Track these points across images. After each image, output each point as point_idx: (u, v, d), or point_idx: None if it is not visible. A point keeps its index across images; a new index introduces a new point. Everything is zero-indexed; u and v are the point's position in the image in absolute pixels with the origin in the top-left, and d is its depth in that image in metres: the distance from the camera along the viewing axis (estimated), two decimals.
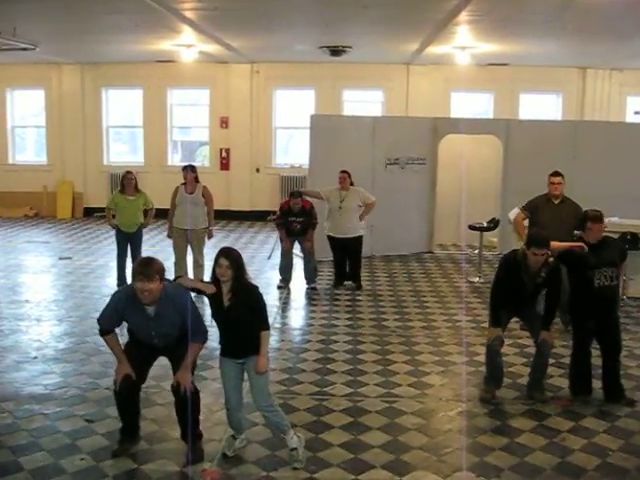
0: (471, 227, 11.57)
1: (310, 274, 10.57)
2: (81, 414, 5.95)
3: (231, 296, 4.98)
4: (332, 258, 10.94)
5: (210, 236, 10.23)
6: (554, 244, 6.20)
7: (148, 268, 4.90)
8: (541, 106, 18.07)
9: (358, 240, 10.57)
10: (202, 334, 5.14)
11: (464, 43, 13.56)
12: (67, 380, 6.77)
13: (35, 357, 7.44)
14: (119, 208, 10.18)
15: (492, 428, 5.77)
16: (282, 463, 5.11)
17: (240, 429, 5.29)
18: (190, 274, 10.07)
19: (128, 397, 5.18)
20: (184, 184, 10.05)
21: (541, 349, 6.27)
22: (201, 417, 5.34)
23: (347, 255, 10.65)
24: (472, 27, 11.91)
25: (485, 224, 11.58)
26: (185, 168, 10.16)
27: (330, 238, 10.59)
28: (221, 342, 5.16)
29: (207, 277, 8.12)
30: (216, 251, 5.08)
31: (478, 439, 5.55)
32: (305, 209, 10.21)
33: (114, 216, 10.32)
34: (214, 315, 5.11)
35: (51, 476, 4.91)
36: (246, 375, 5.17)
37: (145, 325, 5.08)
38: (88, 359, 7.35)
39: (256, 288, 5.17)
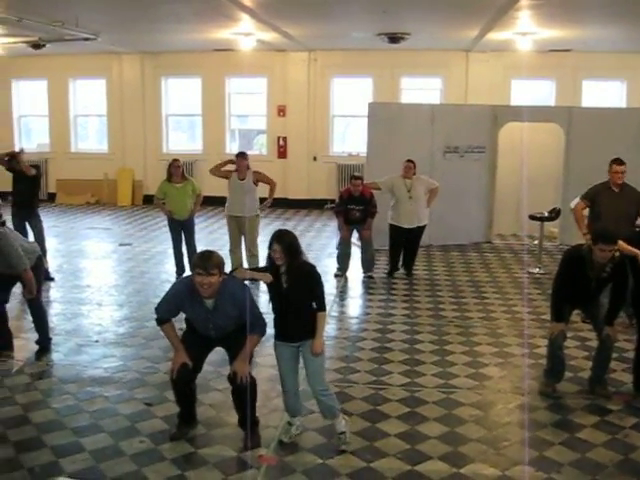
0: (532, 217, 11.34)
1: (368, 263, 10.54)
2: (140, 397, 6.06)
3: (288, 277, 4.99)
4: (388, 247, 10.83)
5: (268, 205, 10.40)
6: (621, 245, 6.01)
7: (208, 262, 4.90)
8: (604, 93, 17.57)
9: (423, 229, 10.61)
10: (260, 327, 5.15)
11: (525, 29, 13.26)
12: (127, 364, 6.90)
13: (96, 341, 7.61)
14: (168, 196, 10.19)
15: (552, 422, 5.66)
16: (338, 451, 5.11)
17: (296, 413, 5.31)
18: (244, 264, 10.10)
19: (185, 386, 5.24)
20: (236, 171, 10.09)
21: (605, 344, 6.11)
22: (258, 404, 5.36)
23: (407, 244, 10.57)
24: (534, 12, 11.62)
25: (546, 214, 11.34)
26: (239, 155, 10.18)
27: (395, 228, 10.48)
28: (276, 325, 5.16)
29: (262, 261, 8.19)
30: (265, 237, 5.09)
31: (537, 433, 5.44)
32: (365, 197, 10.17)
33: (164, 204, 10.34)
34: (272, 298, 5.11)
35: (111, 457, 5.01)
36: (301, 361, 5.19)
37: (203, 317, 5.11)
38: (147, 343, 7.47)
39: (313, 267, 5.17)
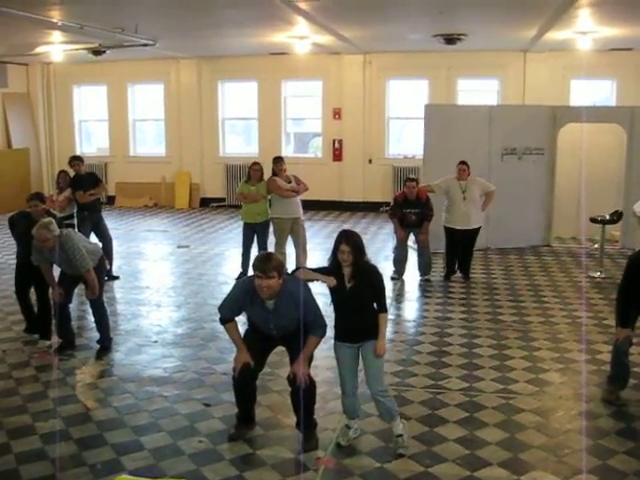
0: (593, 220, 11.09)
1: (424, 266, 10.46)
2: (199, 398, 6.13)
3: (351, 278, 4.99)
4: (444, 250, 10.73)
5: (296, 190, 10.32)
6: None
7: (266, 264, 4.88)
8: None
9: (477, 231, 10.49)
10: (321, 328, 5.12)
11: (585, 28, 12.97)
12: (185, 364, 6.98)
13: (155, 341, 7.73)
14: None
15: (616, 430, 5.50)
16: (396, 455, 5.07)
17: (354, 415, 5.30)
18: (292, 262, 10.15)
19: (246, 385, 5.27)
20: (276, 175, 10.20)
21: None
22: (315, 406, 5.35)
23: (462, 247, 10.46)
24: (594, 10, 11.35)
25: (607, 217, 11.07)
26: (280, 160, 10.38)
27: (450, 230, 10.40)
28: (337, 326, 5.14)
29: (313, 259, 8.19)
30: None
31: (600, 441, 5.30)
32: (421, 200, 10.13)
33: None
34: (334, 298, 5.10)
35: (171, 456, 5.07)
36: (360, 363, 5.17)
37: (264, 318, 5.13)
38: (205, 345, 7.55)
39: (376, 269, 5.17)
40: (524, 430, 5.50)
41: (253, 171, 10.30)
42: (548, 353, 7.28)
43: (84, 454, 5.09)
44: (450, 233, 10.43)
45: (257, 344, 5.24)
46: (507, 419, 5.69)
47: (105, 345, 7.41)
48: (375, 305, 5.09)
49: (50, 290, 7.36)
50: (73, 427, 5.53)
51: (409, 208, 10.12)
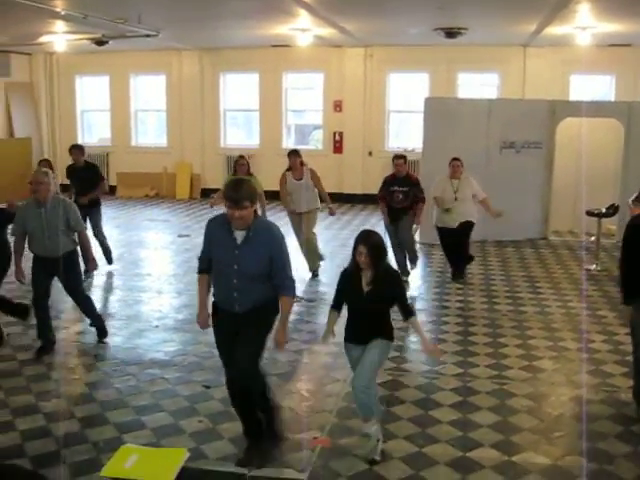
0: (589, 213, 11.22)
1: (412, 257, 10.07)
2: (199, 380, 6.26)
3: (370, 282, 4.71)
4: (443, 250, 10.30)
5: (332, 213, 10.33)
6: None
7: (237, 193, 4.45)
8: None
9: (470, 226, 9.79)
10: (291, 287, 4.71)
11: (585, 23, 13.08)
12: (186, 348, 7.12)
13: (156, 326, 7.87)
14: None
15: (606, 416, 5.62)
16: (390, 435, 5.17)
17: (369, 412, 4.87)
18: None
19: (242, 396, 4.82)
20: (289, 170, 9.91)
21: None
22: (312, 389, 5.42)
23: (455, 241, 9.86)
24: (594, 5, 11.46)
25: (604, 210, 11.20)
26: (293, 153, 9.98)
27: (442, 229, 9.88)
28: (348, 327, 4.89)
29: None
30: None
31: (591, 425, 5.41)
32: (411, 179, 9.71)
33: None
34: (349, 300, 4.86)
35: (171, 434, 5.21)
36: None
37: (230, 254, 4.60)
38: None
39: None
40: (516, 414, 5.63)
41: (239, 165, 10.06)
42: (542, 342, 7.41)
43: (87, 432, 5.22)
44: (443, 232, 9.91)
45: (227, 342, 4.88)
46: (500, 403, 5.82)
47: (98, 325, 7.29)
48: (401, 313, 4.83)
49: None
50: (76, 407, 5.67)
51: (396, 186, 9.59)
